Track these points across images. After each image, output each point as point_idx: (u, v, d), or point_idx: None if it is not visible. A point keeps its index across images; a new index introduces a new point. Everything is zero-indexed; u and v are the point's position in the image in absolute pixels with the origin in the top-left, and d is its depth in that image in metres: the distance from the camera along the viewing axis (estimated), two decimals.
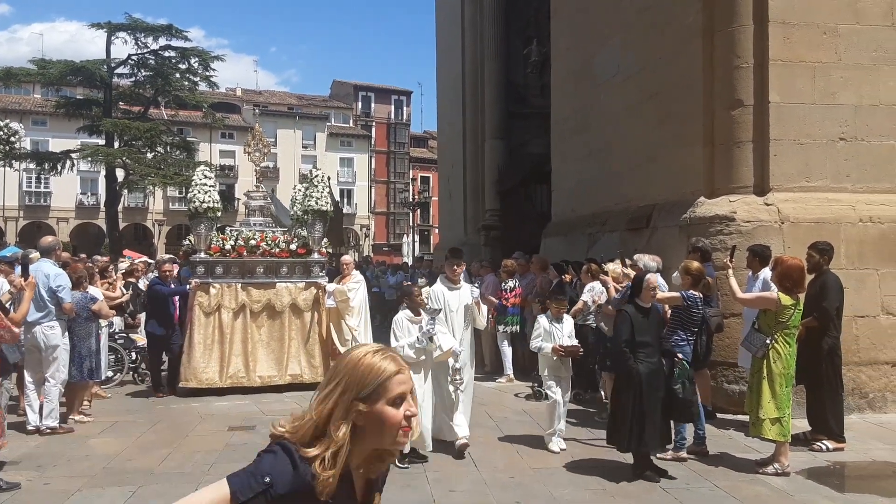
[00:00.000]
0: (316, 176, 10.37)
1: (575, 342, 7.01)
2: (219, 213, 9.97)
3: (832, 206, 8.38)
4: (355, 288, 10.04)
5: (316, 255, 10.13)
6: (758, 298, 6.51)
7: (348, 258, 10.90)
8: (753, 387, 6.22)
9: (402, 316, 6.51)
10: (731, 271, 7.20)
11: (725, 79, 8.66)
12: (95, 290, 8.69)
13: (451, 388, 6.57)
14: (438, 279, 7.35)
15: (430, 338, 6.21)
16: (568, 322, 7.12)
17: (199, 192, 9.76)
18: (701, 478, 5.92)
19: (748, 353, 6.44)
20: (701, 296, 6.65)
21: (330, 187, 10.70)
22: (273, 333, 9.81)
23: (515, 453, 6.72)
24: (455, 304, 6.97)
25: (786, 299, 6.24)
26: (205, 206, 9.69)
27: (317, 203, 10.00)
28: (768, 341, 6.11)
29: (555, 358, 6.78)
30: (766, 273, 7.14)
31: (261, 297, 9.76)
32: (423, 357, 6.29)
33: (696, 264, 6.81)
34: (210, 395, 9.24)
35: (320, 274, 10.21)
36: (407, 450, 6.01)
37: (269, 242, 9.99)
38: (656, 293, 6.25)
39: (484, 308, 7.24)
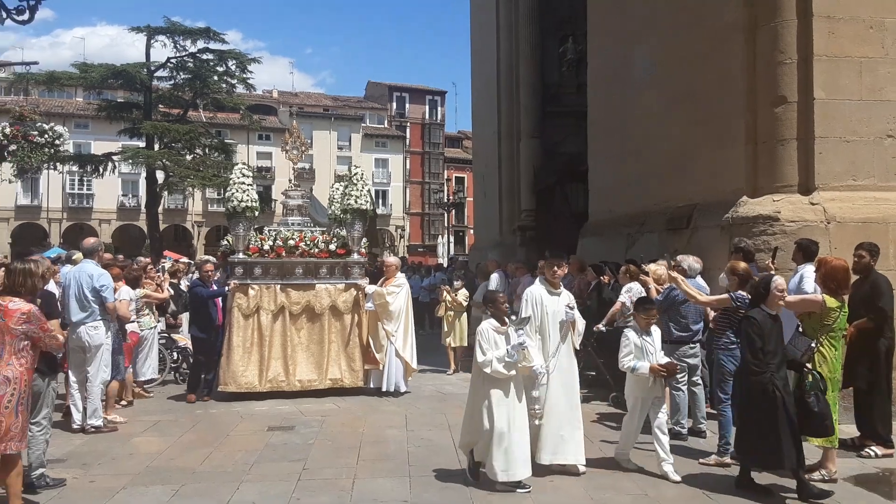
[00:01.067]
0: (356, 174, 10.13)
1: (664, 357, 6.36)
2: (257, 213, 9.78)
3: (880, 205, 8.17)
4: (395, 291, 9.79)
5: (356, 256, 9.92)
6: (802, 301, 6.34)
7: (392, 260, 10.66)
8: None
9: (488, 326, 5.80)
10: (773, 273, 7.06)
11: (768, 75, 8.50)
12: (129, 291, 8.82)
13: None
14: (537, 280, 6.58)
15: (522, 349, 5.60)
16: (656, 333, 6.37)
17: (237, 190, 9.59)
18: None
19: (792, 356, 6.29)
20: (750, 297, 6.50)
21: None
22: (313, 336, 9.64)
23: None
24: (552, 310, 6.18)
25: (831, 301, 6.10)
26: (243, 205, 9.51)
27: (356, 202, 9.79)
28: (813, 345, 5.96)
29: (652, 378, 6.08)
30: (805, 269, 6.97)
31: (300, 298, 9.59)
32: (514, 372, 5.67)
33: (742, 265, 6.66)
34: (249, 400, 9.16)
35: (360, 275, 10.00)
36: (527, 474, 5.66)
37: (308, 243, 9.81)
38: (784, 296, 5.81)
39: (580, 325, 6.33)
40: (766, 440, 5.40)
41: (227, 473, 6.15)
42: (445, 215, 53.30)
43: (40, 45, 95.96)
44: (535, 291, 6.29)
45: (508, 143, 20.09)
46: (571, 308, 6.23)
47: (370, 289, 9.75)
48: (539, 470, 5.95)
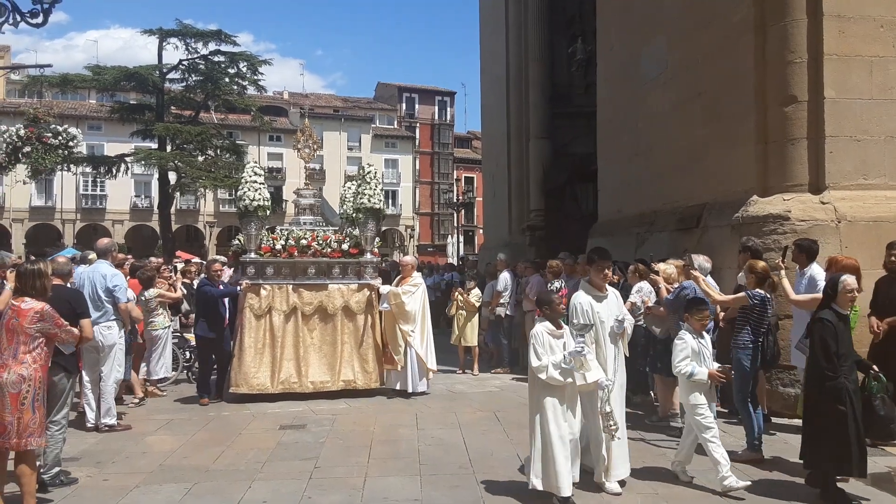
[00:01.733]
0: (369, 172, 10.02)
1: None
2: (268, 212, 9.74)
3: (891, 204, 8.14)
4: (411, 291, 9.71)
5: (369, 256, 9.84)
6: (812, 300, 6.34)
7: (408, 259, 10.62)
8: None
9: (542, 329, 5.39)
10: (783, 272, 7.06)
11: (778, 75, 8.47)
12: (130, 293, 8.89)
13: (604, 434, 5.53)
14: (580, 285, 6.05)
15: (580, 356, 5.24)
16: (707, 337, 6.04)
17: (249, 189, 9.54)
18: (757, 483, 5.79)
19: (802, 355, 6.29)
20: (769, 295, 6.49)
21: None
22: (325, 337, 9.55)
23: None
24: (605, 316, 5.71)
25: None
26: (255, 203, 9.47)
27: (369, 200, 9.73)
28: None
29: (708, 383, 5.77)
30: (813, 269, 6.95)
31: (312, 298, 9.52)
32: (571, 379, 5.26)
33: (761, 263, 6.63)
34: (261, 401, 9.10)
35: (373, 275, 9.92)
36: (568, 492, 5.22)
37: (321, 242, 9.74)
38: (855, 296, 5.57)
39: (629, 329, 5.96)
40: (842, 448, 5.25)
41: (240, 472, 6.20)
42: (455, 215, 53.27)
43: (54, 48, 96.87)
44: (584, 300, 5.72)
45: (518, 144, 20.07)
46: (621, 321, 5.79)
47: (384, 289, 9.71)
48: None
